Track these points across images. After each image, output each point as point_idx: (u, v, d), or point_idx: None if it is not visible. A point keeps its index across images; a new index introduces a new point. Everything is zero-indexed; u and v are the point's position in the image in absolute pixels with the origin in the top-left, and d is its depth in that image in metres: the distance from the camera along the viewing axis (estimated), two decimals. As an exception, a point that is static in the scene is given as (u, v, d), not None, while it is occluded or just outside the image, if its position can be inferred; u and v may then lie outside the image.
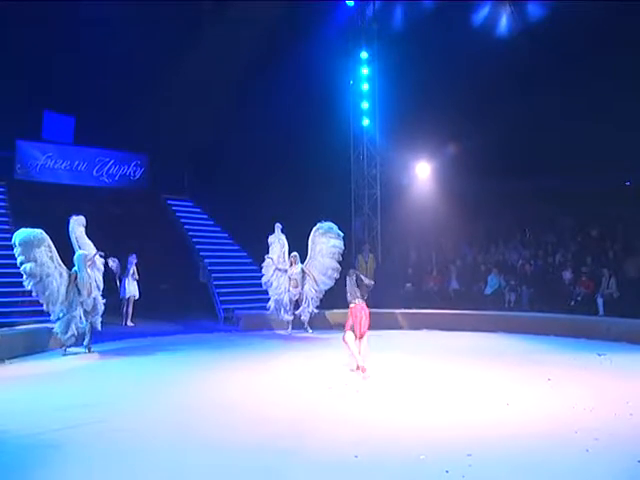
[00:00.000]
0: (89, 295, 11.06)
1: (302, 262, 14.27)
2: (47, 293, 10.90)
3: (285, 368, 9.83)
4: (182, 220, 19.83)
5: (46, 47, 16.55)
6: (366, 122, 18.82)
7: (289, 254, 14.36)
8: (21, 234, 10.88)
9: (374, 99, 18.71)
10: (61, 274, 10.98)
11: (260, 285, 15.12)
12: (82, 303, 11.02)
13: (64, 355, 10.86)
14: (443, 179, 18.54)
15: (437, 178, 18.74)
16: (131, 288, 14.88)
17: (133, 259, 14.92)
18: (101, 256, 11.54)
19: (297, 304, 14.26)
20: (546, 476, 5.03)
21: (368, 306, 9.28)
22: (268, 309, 14.52)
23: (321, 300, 14.32)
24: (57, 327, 10.95)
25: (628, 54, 15.19)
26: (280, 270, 14.28)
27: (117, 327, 14.16)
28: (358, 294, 9.26)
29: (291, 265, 14.22)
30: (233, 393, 8.05)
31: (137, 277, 14.95)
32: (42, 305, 11.11)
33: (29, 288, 11.00)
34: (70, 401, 7.58)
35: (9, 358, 10.27)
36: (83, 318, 11.04)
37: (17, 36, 16.57)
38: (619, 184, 17.51)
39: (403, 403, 7.40)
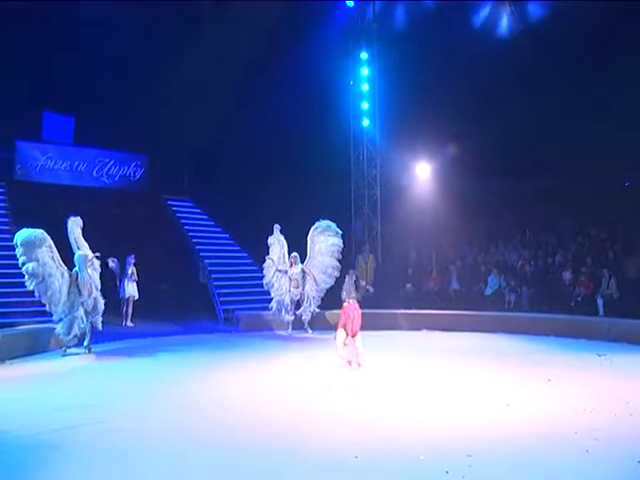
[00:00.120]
0: (89, 295, 11.08)
1: (302, 262, 14.27)
2: (49, 293, 10.90)
3: (285, 368, 9.83)
4: (182, 220, 19.84)
5: (46, 47, 16.55)
6: (366, 122, 18.81)
7: (289, 255, 14.36)
8: (23, 234, 10.89)
9: (374, 99, 18.70)
10: (63, 274, 11.00)
11: (260, 286, 15.11)
12: (82, 303, 11.03)
13: (64, 355, 10.86)
14: (443, 179, 18.54)
15: (437, 178, 18.73)
16: (130, 289, 14.88)
17: (131, 260, 14.92)
18: (97, 257, 11.55)
19: (298, 304, 14.25)
20: (546, 476, 5.03)
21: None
22: (270, 310, 14.51)
23: (322, 299, 14.31)
24: (60, 328, 10.94)
25: (628, 54, 15.19)
26: (281, 271, 14.27)
27: (117, 327, 14.16)
28: (353, 294, 9.42)
29: (291, 266, 14.22)
30: (233, 393, 8.05)
31: (136, 278, 14.94)
32: (43, 305, 11.13)
33: (31, 288, 11.00)
34: (70, 401, 7.58)
35: (9, 358, 10.26)
36: (84, 318, 11.05)
37: (17, 36, 16.58)
38: (619, 184, 17.51)
39: (403, 403, 7.40)
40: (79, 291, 10.98)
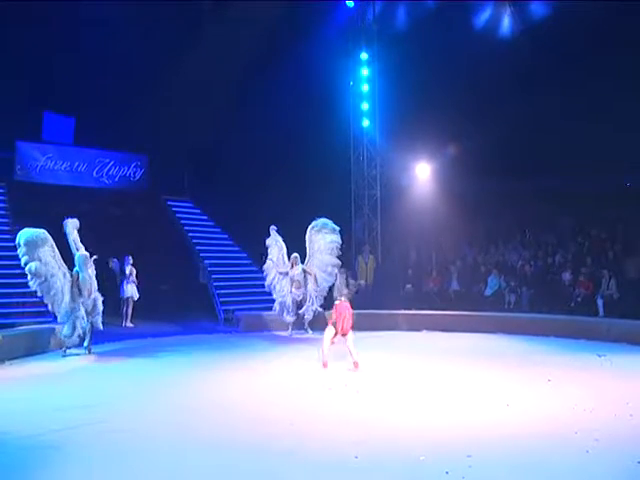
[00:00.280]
0: (89, 296, 11.08)
1: (302, 262, 14.25)
2: (52, 293, 10.94)
3: (285, 369, 9.83)
4: (182, 221, 19.83)
5: (46, 47, 16.55)
6: (366, 123, 18.80)
7: (289, 255, 14.33)
8: (25, 234, 10.92)
9: (374, 100, 18.69)
10: (64, 274, 11.03)
11: (260, 286, 15.08)
12: (82, 303, 11.03)
13: (64, 356, 10.86)
14: (443, 179, 18.53)
15: (437, 178, 18.72)
16: (129, 289, 14.87)
17: (128, 260, 14.90)
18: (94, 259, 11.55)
19: (300, 304, 14.22)
20: (546, 476, 5.03)
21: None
22: (274, 311, 14.46)
23: (324, 299, 14.29)
24: (65, 330, 10.94)
25: (628, 54, 15.20)
26: (282, 274, 14.24)
27: (117, 328, 14.15)
28: (345, 293, 9.47)
29: (292, 267, 14.18)
30: (233, 394, 8.06)
31: (134, 279, 14.90)
32: (43, 306, 11.14)
33: (34, 288, 11.02)
34: (70, 402, 7.58)
35: (9, 359, 10.25)
36: (85, 319, 11.05)
37: (17, 36, 16.58)
38: (619, 184, 17.51)
39: (403, 403, 7.40)
40: (80, 291, 10.99)
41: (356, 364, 9.30)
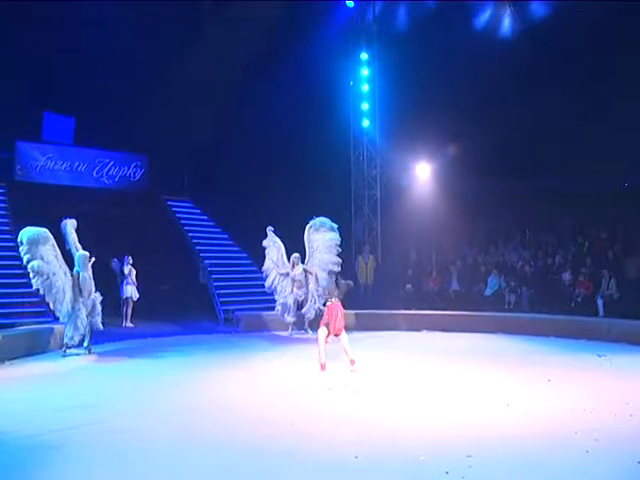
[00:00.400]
0: (89, 296, 11.10)
1: (303, 262, 14.24)
2: (54, 291, 10.97)
3: (285, 369, 9.83)
4: (182, 221, 19.83)
5: (46, 47, 16.55)
6: (366, 123, 18.81)
7: (289, 256, 14.30)
8: (27, 232, 10.96)
9: (374, 100, 18.69)
10: (65, 273, 11.07)
11: (260, 286, 15.07)
12: (82, 303, 11.03)
13: (64, 356, 10.86)
14: (443, 180, 18.52)
15: (437, 178, 18.72)
16: (128, 289, 14.87)
17: (127, 260, 14.90)
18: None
19: (302, 304, 14.19)
20: (546, 477, 5.03)
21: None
22: (276, 312, 14.42)
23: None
24: (68, 331, 10.94)
25: (628, 54, 15.18)
26: (282, 274, 14.22)
27: (117, 328, 14.16)
28: (335, 293, 9.58)
29: (293, 267, 14.16)
30: (233, 394, 8.06)
31: (134, 279, 14.90)
32: (43, 306, 11.16)
33: (36, 286, 11.05)
34: (70, 402, 7.58)
35: (9, 359, 10.26)
36: (85, 318, 11.06)
37: (17, 36, 16.57)
38: (619, 184, 17.50)
39: (403, 403, 7.40)
40: (80, 291, 11.00)
41: (352, 361, 9.31)
